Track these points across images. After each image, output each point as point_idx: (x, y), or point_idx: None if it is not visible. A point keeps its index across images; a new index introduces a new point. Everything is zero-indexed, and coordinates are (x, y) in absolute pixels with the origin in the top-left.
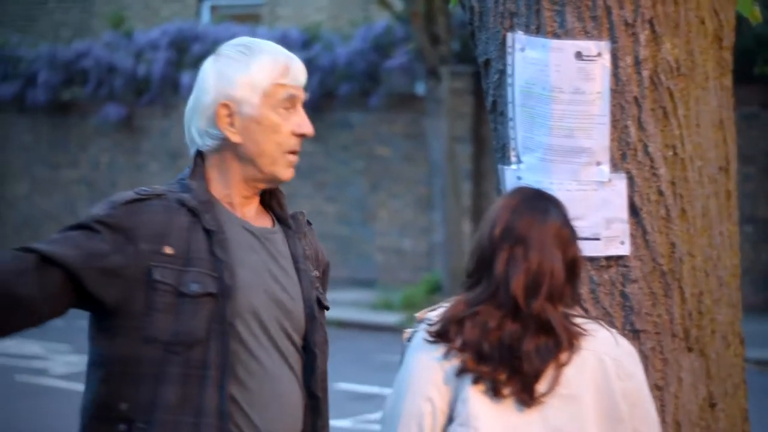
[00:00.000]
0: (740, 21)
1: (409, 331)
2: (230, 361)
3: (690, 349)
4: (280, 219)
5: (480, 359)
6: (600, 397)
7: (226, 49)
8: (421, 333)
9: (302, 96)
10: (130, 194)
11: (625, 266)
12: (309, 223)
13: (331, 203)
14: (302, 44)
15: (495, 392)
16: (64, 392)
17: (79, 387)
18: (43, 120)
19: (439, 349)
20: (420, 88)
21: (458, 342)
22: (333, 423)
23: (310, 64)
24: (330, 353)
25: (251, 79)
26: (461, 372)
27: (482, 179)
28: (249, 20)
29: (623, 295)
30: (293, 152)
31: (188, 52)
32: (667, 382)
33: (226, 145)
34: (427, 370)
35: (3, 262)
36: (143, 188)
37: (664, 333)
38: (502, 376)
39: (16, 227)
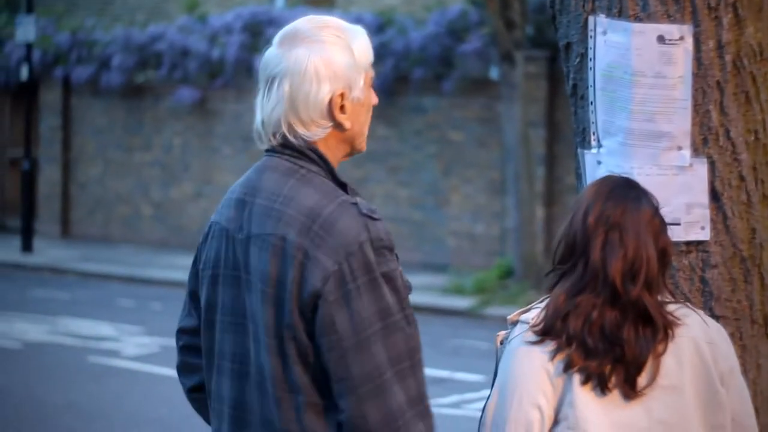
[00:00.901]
0: None
1: (502, 333)
2: None
3: None
4: None
5: (586, 353)
6: (700, 385)
7: (316, 34)
8: (521, 335)
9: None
10: (385, 235)
11: (705, 251)
12: None
13: (404, 188)
14: (376, 28)
15: (601, 387)
16: (135, 373)
17: (150, 369)
18: (118, 103)
19: (547, 347)
20: (494, 73)
21: (564, 337)
22: None
23: (384, 48)
24: None
25: (357, 63)
26: (568, 368)
27: (555, 164)
28: (323, 4)
29: (703, 280)
30: None
31: (262, 36)
32: (746, 368)
33: (333, 132)
34: (534, 375)
35: None
36: (366, 206)
37: (743, 319)
38: (607, 368)
39: (89, 209)
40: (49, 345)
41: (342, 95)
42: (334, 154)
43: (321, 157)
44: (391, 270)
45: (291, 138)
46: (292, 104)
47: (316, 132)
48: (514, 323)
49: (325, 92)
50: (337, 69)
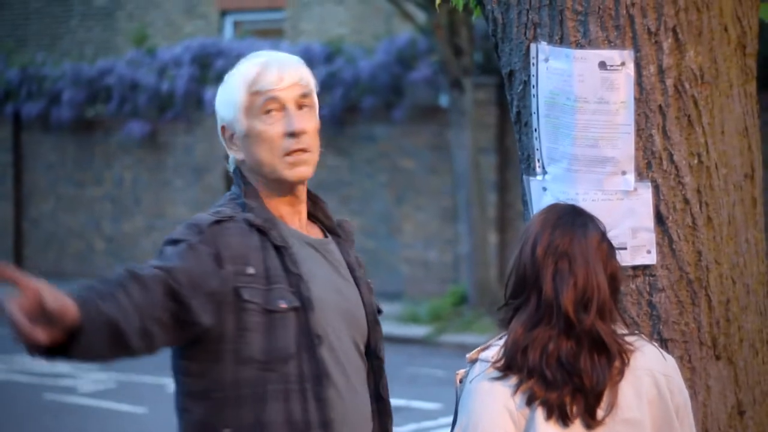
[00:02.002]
0: (763, 28)
1: (462, 372)
2: (323, 372)
3: (718, 358)
4: (329, 229)
5: (546, 385)
6: (658, 418)
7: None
8: (482, 373)
9: (286, 95)
10: (208, 217)
11: (652, 275)
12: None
13: (356, 216)
14: (325, 58)
15: (563, 418)
16: (92, 410)
17: (107, 404)
18: (68, 138)
19: (509, 381)
20: (444, 100)
21: (525, 370)
22: None
23: (333, 78)
24: None
25: (229, 98)
26: (531, 401)
27: (507, 190)
28: (272, 35)
29: (650, 304)
30: (291, 152)
31: (211, 68)
32: (696, 390)
33: (241, 164)
34: (496, 413)
35: (135, 295)
36: (216, 210)
37: (691, 342)
38: (567, 398)
39: (41, 245)
40: (5, 383)
41: (224, 129)
42: (258, 186)
43: (240, 179)
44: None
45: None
46: None
47: (231, 163)
48: (474, 361)
49: (218, 124)
50: (220, 104)
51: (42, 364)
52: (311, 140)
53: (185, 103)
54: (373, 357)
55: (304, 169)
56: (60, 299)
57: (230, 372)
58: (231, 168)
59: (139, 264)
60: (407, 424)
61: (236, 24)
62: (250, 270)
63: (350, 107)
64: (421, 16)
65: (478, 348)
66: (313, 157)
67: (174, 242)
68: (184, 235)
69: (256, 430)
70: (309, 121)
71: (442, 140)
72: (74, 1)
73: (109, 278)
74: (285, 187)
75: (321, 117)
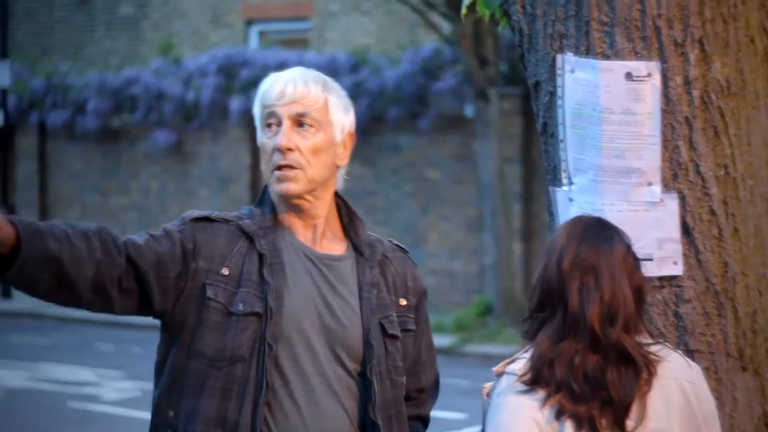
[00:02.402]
0: None
1: (489, 385)
2: (268, 381)
3: (744, 369)
4: (356, 247)
5: (574, 399)
6: (685, 425)
7: None
8: (509, 386)
9: (283, 111)
10: (198, 213)
11: (678, 286)
12: (404, 250)
13: (382, 226)
14: (350, 68)
15: (593, 430)
16: (116, 418)
17: (131, 413)
18: (93, 147)
19: (536, 395)
20: (469, 110)
21: (552, 384)
22: None
23: (358, 87)
24: None
25: (254, 109)
26: (559, 414)
27: (532, 200)
28: (297, 45)
29: (677, 315)
30: (278, 167)
31: (237, 78)
32: (722, 401)
33: None
34: (525, 428)
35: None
36: (218, 213)
37: (718, 353)
38: (596, 411)
39: None
40: (28, 391)
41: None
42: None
43: (262, 188)
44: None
45: None
46: None
47: None
48: (500, 375)
49: None
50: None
51: (66, 373)
52: (301, 158)
53: (211, 112)
54: (365, 378)
55: (287, 185)
56: None
57: (182, 360)
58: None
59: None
60: None
61: (262, 34)
62: (224, 271)
63: (375, 117)
64: (446, 26)
65: (505, 361)
66: (305, 174)
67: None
68: (171, 224)
69: (191, 419)
70: (303, 139)
71: (468, 150)
72: (99, 10)
73: (77, 225)
74: (282, 200)
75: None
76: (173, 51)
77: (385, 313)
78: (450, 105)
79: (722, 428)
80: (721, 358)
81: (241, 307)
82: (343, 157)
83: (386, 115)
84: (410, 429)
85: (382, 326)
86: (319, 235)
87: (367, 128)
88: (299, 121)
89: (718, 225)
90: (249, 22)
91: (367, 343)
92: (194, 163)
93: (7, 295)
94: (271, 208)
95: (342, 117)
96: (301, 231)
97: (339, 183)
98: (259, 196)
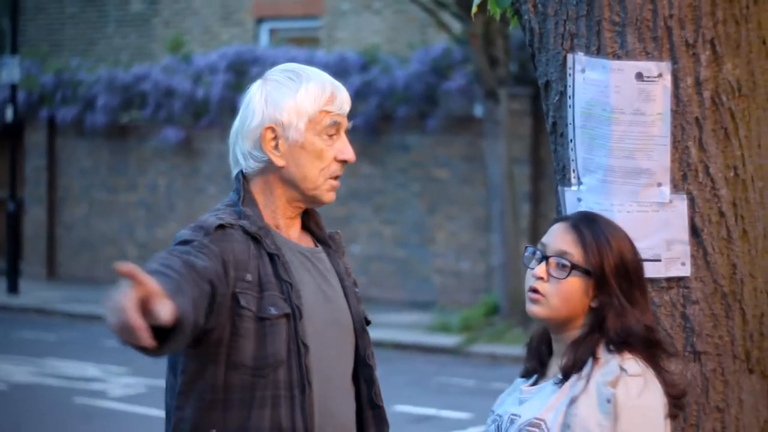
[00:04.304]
0: None
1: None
2: (309, 381)
3: (751, 371)
4: (319, 239)
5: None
6: None
7: (274, 74)
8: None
9: (345, 123)
10: (215, 221)
11: (686, 287)
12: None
13: (389, 226)
14: (360, 67)
15: None
16: (121, 414)
17: (137, 409)
18: (102, 143)
19: None
20: (478, 110)
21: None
22: None
23: (367, 86)
24: (387, 375)
25: (298, 105)
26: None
27: (541, 201)
28: (307, 43)
29: (684, 316)
30: (335, 177)
31: (247, 75)
32: (728, 404)
33: (270, 168)
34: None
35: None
36: (216, 216)
37: (725, 355)
38: None
39: (74, 250)
40: (35, 386)
41: (272, 130)
42: (273, 193)
43: (241, 186)
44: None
45: (233, 165)
46: (237, 133)
47: (250, 163)
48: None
49: (255, 123)
50: (274, 105)
51: (72, 368)
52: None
53: (220, 109)
54: (362, 365)
55: (334, 194)
56: (167, 306)
57: (222, 375)
58: (243, 167)
59: (177, 255)
60: None
61: (272, 32)
62: (248, 277)
63: (385, 116)
64: (456, 25)
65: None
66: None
67: (186, 243)
68: (194, 236)
69: None
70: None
71: (476, 150)
72: (110, 7)
73: (172, 265)
74: (307, 203)
75: (355, 125)
76: (183, 48)
77: (360, 300)
78: (459, 105)
79: (729, 431)
80: (728, 360)
81: (273, 311)
82: None
83: (395, 115)
84: None
85: (363, 313)
86: (298, 231)
87: (376, 127)
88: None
89: (727, 227)
90: (260, 20)
91: (360, 330)
92: (203, 161)
93: (14, 290)
94: (256, 207)
95: None
96: (285, 229)
97: None
98: (239, 192)
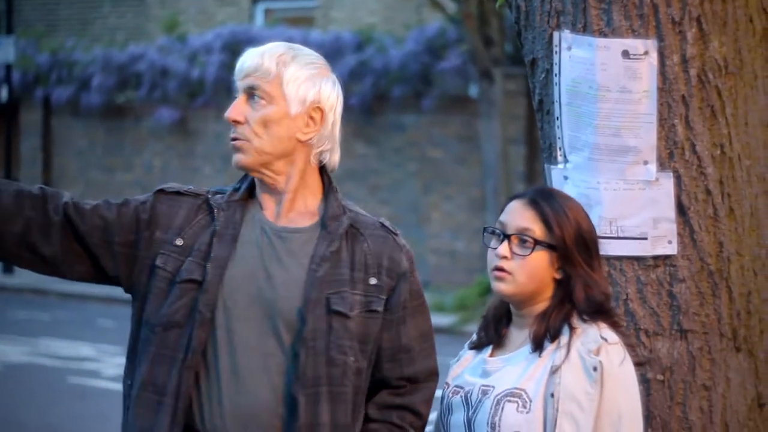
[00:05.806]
0: None
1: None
2: (198, 349)
3: (738, 349)
4: (322, 221)
5: None
6: None
7: None
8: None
9: (240, 85)
10: (173, 186)
11: (673, 266)
12: (391, 231)
13: (384, 205)
14: (355, 47)
15: None
16: (115, 394)
17: None
18: (98, 123)
19: None
20: (473, 90)
21: None
22: None
23: (363, 66)
24: None
25: None
26: None
27: (535, 181)
28: (302, 23)
29: (671, 294)
30: (232, 138)
31: (242, 55)
32: (715, 382)
33: None
34: None
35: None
36: (194, 187)
37: (711, 333)
38: None
39: None
40: (29, 366)
41: None
42: None
43: None
44: None
45: None
46: None
47: None
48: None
49: None
50: None
51: (66, 348)
52: (248, 130)
53: (215, 90)
54: (294, 351)
55: (236, 156)
56: None
57: (136, 329)
58: None
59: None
60: (432, 412)
61: (267, 12)
62: (178, 241)
63: (380, 96)
64: (451, 5)
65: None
66: (252, 146)
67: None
68: (142, 194)
69: (134, 385)
70: (254, 111)
71: (471, 130)
72: None
73: (16, 185)
74: (247, 173)
75: (350, 106)
76: (178, 28)
77: (336, 289)
78: (454, 85)
79: (716, 409)
80: (715, 339)
81: (184, 275)
82: (308, 132)
83: (390, 95)
84: (383, 416)
85: (327, 300)
86: (284, 210)
87: (371, 107)
88: (251, 94)
89: (714, 205)
90: (255, 0)
91: (300, 316)
92: (198, 141)
93: (8, 270)
94: (250, 183)
95: (301, 90)
96: (268, 205)
97: (325, 158)
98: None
